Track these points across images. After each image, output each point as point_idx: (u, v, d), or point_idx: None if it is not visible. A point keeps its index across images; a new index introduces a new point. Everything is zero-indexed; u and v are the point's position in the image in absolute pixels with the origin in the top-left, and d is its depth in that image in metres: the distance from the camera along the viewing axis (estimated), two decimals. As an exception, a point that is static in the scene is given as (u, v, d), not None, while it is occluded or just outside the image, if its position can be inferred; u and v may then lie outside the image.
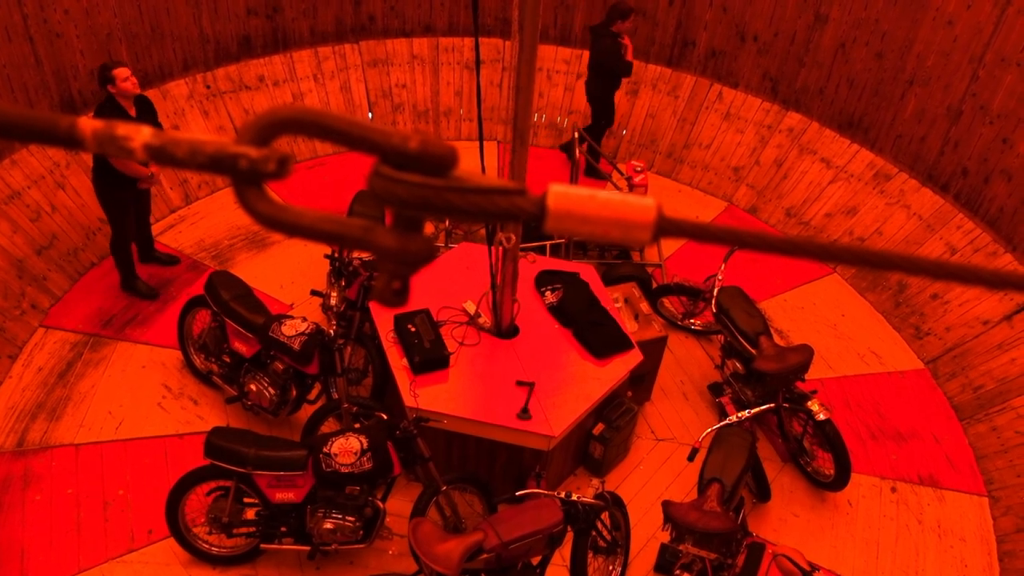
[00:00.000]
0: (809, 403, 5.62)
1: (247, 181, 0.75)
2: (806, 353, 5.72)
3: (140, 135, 0.75)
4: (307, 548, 4.96)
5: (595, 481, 4.94)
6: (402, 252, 0.76)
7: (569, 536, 4.84)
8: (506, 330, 5.72)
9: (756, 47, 8.36)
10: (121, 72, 5.96)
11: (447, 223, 7.02)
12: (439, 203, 0.74)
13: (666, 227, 0.75)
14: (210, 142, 0.75)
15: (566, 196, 0.75)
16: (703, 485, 5.03)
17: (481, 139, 5.24)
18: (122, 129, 0.75)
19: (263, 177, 0.75)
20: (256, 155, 0.74)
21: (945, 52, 7.16)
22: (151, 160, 0.76)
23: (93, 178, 6.37)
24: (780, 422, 5.92)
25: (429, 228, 7.10)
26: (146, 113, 6.33)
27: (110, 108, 6.04)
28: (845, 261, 0.79)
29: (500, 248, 5.31)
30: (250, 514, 5.02)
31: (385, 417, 5.01)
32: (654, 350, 6.11)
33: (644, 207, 0.75)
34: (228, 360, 5.84)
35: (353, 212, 6.52)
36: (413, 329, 5.56)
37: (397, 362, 5.47)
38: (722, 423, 5.37)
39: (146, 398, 6.11)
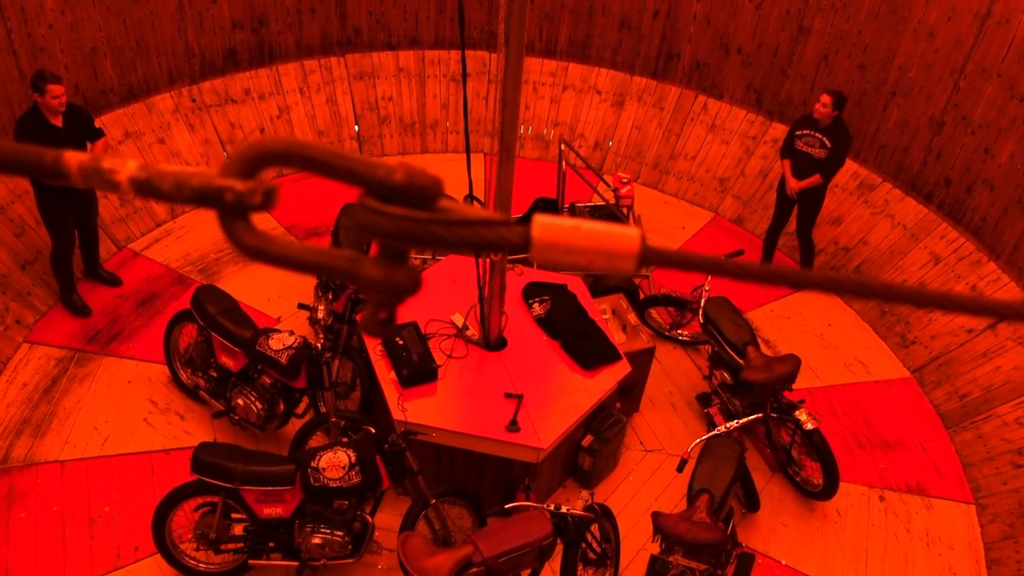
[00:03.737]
0: (797, 413, 5.64)
1: (234, 214, 0.75)
2: (793, 363, 5.74)
3: (126, 169, 0.75)
4: (295, 563, 4.93)
5: (584, 493, 4.93)
6: (388, 283, 0.76)
7: (559, 549, 4.83)
8: (494, 342, 5.72)
9: (740, 59, 8.42)
10: (54, 88, 5.84)
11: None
12: (424, 235, 0.74)
13: (650, 257, 0.76)
14: (196, 175, 0.76)
15: (551, 227, 0.76)
16: (692, 496, 5.03)
17: (468, 152, 5.25)
18: (108, 163, 0.76)
19: (249, 209, 0.76)
20: (242, 188, 0.75)
21: (927, 63, 7.24)
22: (136, 195, 0.76)
23: (34, 191, 6.25)
24: (768, 432, 5.94)
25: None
26: (77, 123, 6.16)
27: (33, 116, 5.94)
28: (824, 289, 0.80)
29: (487, 260, 5.32)
30: (238, 530, 4.99)
31: (373, 431, 4.99)
32: (642, 361, 6.12)
33: (628, 237, 0.75)
34: (215, 375, 5.81)
35: (340, 226, 6.51)
36: (401, 342, 5.55)
37: (385, 375, 5.46)
38: (710, 434, 5.39)
39: (132, 413, 6.06)
